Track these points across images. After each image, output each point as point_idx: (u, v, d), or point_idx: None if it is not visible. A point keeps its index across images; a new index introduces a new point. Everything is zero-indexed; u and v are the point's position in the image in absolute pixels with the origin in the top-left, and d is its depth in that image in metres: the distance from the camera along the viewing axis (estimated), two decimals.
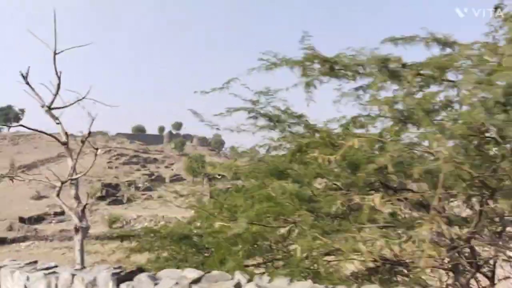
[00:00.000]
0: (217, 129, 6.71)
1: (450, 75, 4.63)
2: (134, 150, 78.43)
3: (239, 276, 3.30)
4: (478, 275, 5.28)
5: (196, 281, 3.29)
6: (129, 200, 54.20)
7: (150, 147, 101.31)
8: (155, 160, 72.98)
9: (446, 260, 5.02)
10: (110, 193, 55.59)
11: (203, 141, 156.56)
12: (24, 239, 41.55)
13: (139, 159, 71.61)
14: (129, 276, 3.54)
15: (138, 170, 67.42)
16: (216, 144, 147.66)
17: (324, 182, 6.49)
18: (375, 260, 4.54)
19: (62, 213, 51.05)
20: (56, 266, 4.20)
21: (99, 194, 55.03)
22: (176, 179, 64.76)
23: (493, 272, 5.50)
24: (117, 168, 66.97)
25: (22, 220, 47.37)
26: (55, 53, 4.90)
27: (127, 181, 60.57)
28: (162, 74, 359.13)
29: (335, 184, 6.09)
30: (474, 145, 4.34)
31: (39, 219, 48.97)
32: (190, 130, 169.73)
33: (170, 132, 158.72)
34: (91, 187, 58.51)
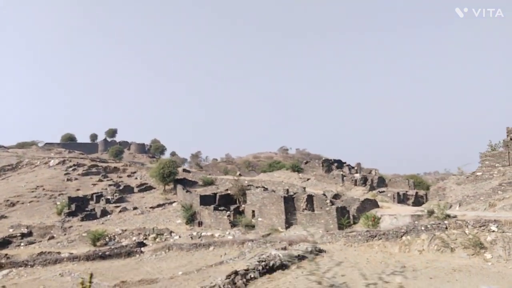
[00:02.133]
0: None
1: None
2: (91, 159, 72.57)
3: None
4: None
5: None
6: (103, 214, 49.79)
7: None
8: (116, 169, 68.04)
9: None
10: (80, 208, 50.69)
11: (142, 148, 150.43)
12: None
13: (99, 169, 66.30)
14: None
15: (101, 180, 62.39)
16: (157, 150, 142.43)
17: None
18: None
19: (30, 234, 45.71)
20: None
21: (67, 209, 49.93)
22: (145, 188, 60.87)
23: None
24: (76, 179, 61.41)
25: None
26: None
27: (94, 193, 55.69)
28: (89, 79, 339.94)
29: None
30: None
31: (4, 242, 43.22)
32: (125, 136, 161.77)
33: (105, 140, 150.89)
34: (56, 203, 53.09)
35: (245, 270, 22.20)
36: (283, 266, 24.39)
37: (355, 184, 52.94)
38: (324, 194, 40.11)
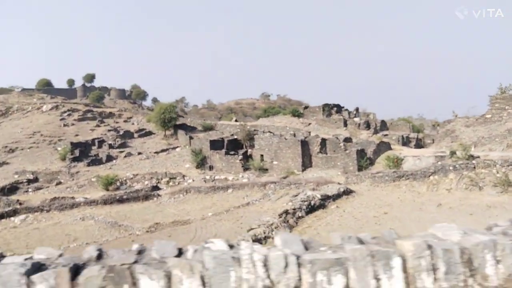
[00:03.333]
0: None
1: None
2: (85, 104, 70.55)
3: None
4: None
5: None
6: (108, 159, 49.22)
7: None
8: (111, 114, 66.52)
9: None
10: (84, 153, 49.86)
11: (122, 93, 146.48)
12: (14, 213, 35.77)
13: (94, 114, 64.67)
14: None
15: (98, 126, 61.09)
16: (138, 96, 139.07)
17: None
18: None
19: (36, 179, 45.00)
20: None
21: (70, 155, 48.98)
22: (144, 133, 60.06)
23: None
24: (73, 125, 59.91)
25: None
26: None
27: (94, 138, 54.65)
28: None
29: None
30: None
31: (12, 189, 42.50)
32: (104, 82, 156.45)
33: (83, 85, 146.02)
34: (57, 148, 52.01)
35: (293, 209, 22.65)
36: (321, 206, 25.02)
37: (359, 128, 53.59)
38: (336, 138, 40.58)
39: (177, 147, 54.64)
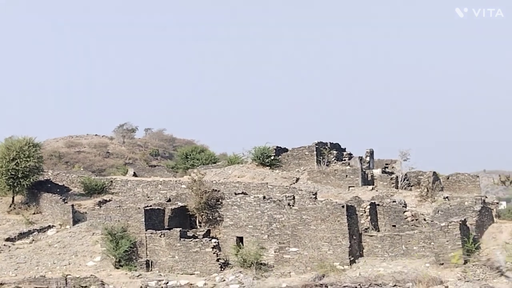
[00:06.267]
0: None
1: None
2: None
3: None
4: None
5: None
6: None
7: None
8: None
9: None
10: None
11: None
12: None
13: None
14: None
15: None
16: None
17: None
18: None
19: None
20: None
21: None
22: None
23: None
24: None
25: None
26: None
27: None
28: None
29: None
30: None
31: None
32: None
33: None
34: None
35: None
36: None
37: (396, 187, 33.43)
38: (394, 202, 23.97)
39: (48, 226, 30.57)
